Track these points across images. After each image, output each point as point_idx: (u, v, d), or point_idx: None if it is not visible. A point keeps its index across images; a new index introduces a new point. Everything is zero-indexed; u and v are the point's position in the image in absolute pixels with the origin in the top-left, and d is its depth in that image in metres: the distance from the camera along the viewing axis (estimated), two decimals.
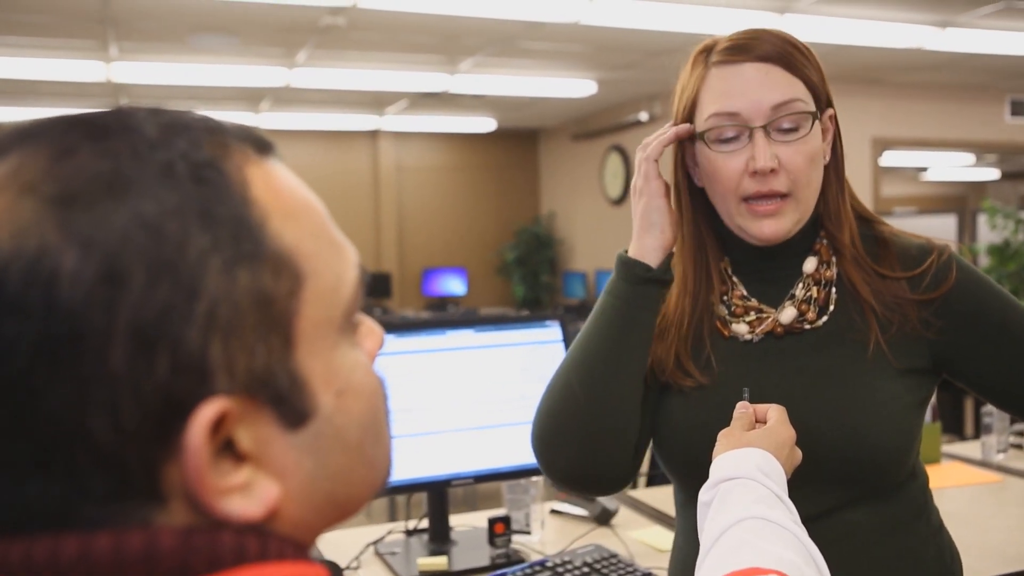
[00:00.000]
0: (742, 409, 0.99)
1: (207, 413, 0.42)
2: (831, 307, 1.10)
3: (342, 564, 1.64)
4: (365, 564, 1.70)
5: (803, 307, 1.10)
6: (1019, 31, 5.07)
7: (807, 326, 1.10)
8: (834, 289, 1.11)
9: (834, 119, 1.12)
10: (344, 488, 0.50)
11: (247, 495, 0.44)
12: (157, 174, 0.43)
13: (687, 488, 1.16)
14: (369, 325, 0.54)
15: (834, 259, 1.12)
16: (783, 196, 1.05)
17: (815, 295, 1.10)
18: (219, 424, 0.43)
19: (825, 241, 1.12)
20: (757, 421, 0.98)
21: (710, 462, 0.93)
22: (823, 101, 1.09)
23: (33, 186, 0.42)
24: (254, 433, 0.44)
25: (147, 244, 0.41)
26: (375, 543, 1.78)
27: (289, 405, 0.45)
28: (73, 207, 0.41)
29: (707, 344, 1.12)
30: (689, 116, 1.10)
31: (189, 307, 0.42)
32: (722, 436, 0.94)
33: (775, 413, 0.97)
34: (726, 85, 1.05)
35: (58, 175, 0.42)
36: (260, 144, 0.49)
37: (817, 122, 1.06)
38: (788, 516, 0.80)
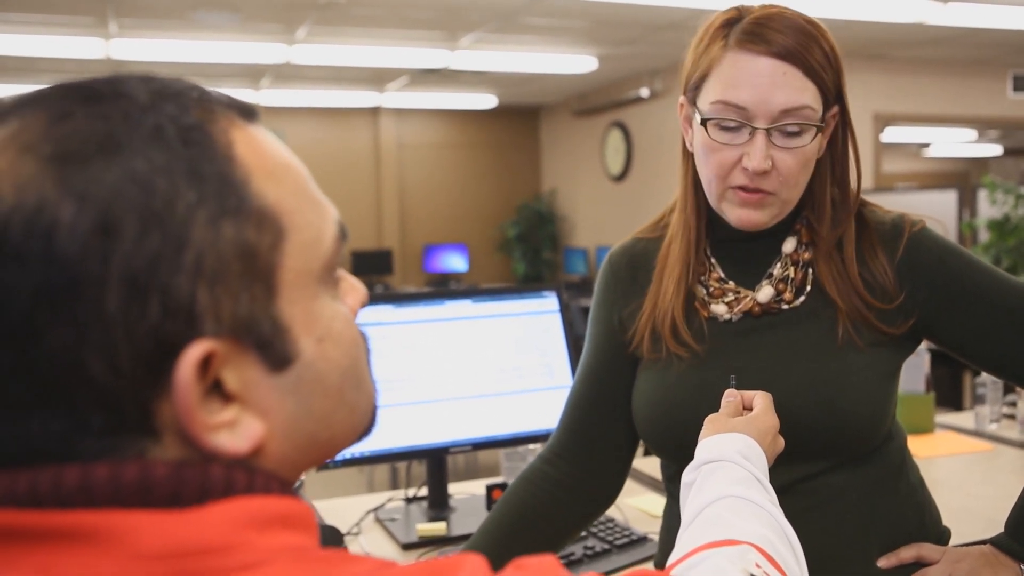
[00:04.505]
0: (730, 396, 1.01)
1: (195, 352, 0.45)
2: (808, 288, 1.12)
3: (343, 530, 1.67)
4: (366, 530, 1.73)
5: (780, 287, 1.12)
6: (1021, 5, 5.04)
7: (784, 306, 1.12)
8: (811, 270, 1.13)
9: (837, 115, 1.10)
10: (326, 430, 0.53)
11: (234, 431, 0.48)
12: (147, 135, 0.46)
13: (670, 462, 1.20)
14: (351, 282, 0.57)
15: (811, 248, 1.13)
16: (769, 192, 1.06)
17: (792, 275, 1.13)
18: (207, 364, 0.46)
19: (807, 222, 1.14)
20: (744, 408, 1.01)
21: (691, 438, 0.95)
22: (832, 99, 1.07)
23: (32, 146, 0.45)
24: (240, 375, 0.48)
25: (138, 198, 0.45)
26: (375, 510, 1.81)
27: (272, 349, 0.49)
28: (69, 165, 0.44)
29: (699, 315, 1.15)
30: (696, 88, 1.09)
31: (177, 256, 0.45)
32: (709, 421, 0.97)
33: (761, 400, 0.99)
34: (739, 75, 1.03)
35: (55, 136, 0.45)
36: (245, 110, 0.53)
37: (819, 132, 1.06)
38: (766, 497, 0.83)
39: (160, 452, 0.46)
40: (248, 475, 0.48)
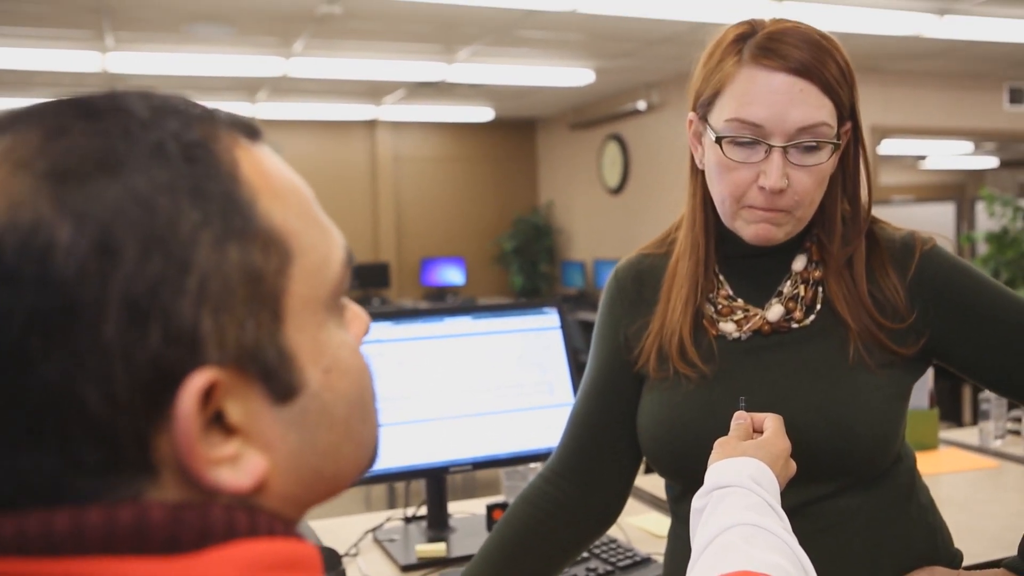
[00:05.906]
0: (739, 419, 0.99)
1: (198, 381, 0.42)
2: (818, 306, 1.10)
3: (340, 551, 1.64)
4: (364, 551, 1.70)
5: (790, 305, 1.10)
6: (1018, 18, 5.05)
7: (794, 325, 1.10)
8: (821, 288, 1.11)
9: (850, 132, 1.08)
10: (331, 464, 0.51)
11: (236, 467, 0.45)
12: (148, 152, 0.44)
13: (676, 483, 1.17)
14: (355, 310, 0.55)
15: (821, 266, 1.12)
16: (784, 211, 1.04)
17: (802, 293, 1.11)
18: (209, 395, 0.43)
19: (817, 240, 1.12)
20: (754, 431, 0.99)
21: (698, 459, 0.93)
22: (846, 115, 1.05)
23: (27, 162, 0.43)
24: (243, 406, 0.45)
25: (139, 218, 0.42)
26: (374, 530, 1.78)
27: (278, 379, 0.46)
28: (67, 182, 0.42)
29: (708, 334, 1.12)
30: (708, 104, 1.07)
31: (181, 280, 0.42)
32: (718, 445, 0.95)
33: (772, 423, 0.97)
34: (755, 91, 1.01)
35: (51, 152, 0.43)
36: (248, 129, 0.51)
37: (836, 149, 1.04)
38: (779, 524, 0.81)
39: (157, 493, 0.43)
40: (250, 516, 0.45)
